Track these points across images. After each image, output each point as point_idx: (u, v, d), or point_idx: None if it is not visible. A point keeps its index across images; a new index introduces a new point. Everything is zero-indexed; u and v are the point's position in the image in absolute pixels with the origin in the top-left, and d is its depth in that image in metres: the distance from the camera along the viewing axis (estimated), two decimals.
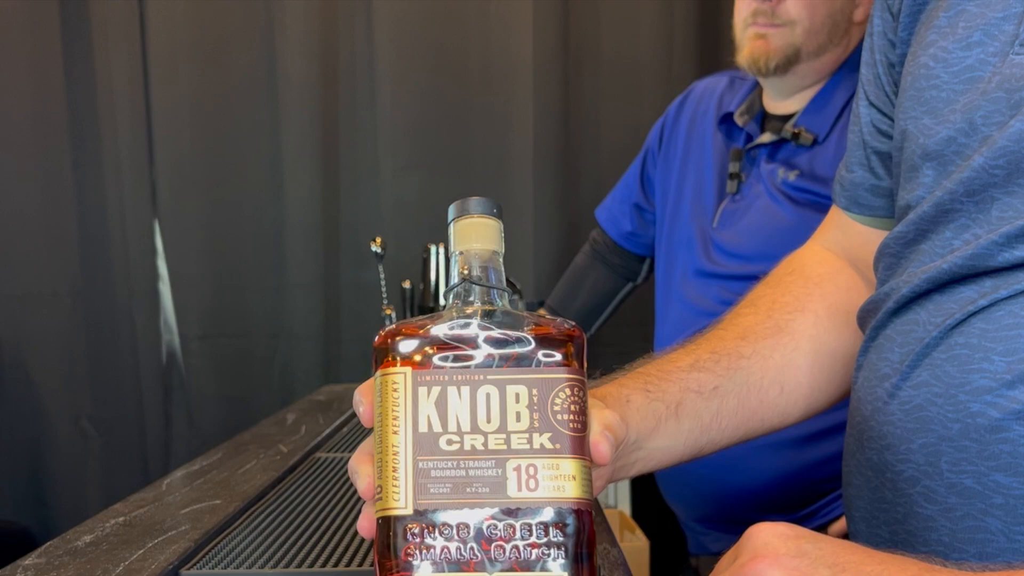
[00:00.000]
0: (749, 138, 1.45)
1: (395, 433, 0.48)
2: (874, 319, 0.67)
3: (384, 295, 1.72)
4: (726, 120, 1.49)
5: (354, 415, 1.51)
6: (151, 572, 0.74)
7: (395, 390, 0.48)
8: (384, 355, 0.49)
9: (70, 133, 2.28)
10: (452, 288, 0.53)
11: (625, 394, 0.64)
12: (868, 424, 0.65)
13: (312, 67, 2.23)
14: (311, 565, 0.77)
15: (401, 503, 0.47)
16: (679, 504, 1.48)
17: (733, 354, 0.72)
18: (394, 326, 0.50)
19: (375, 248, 1.69)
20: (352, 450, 1.22)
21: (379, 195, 2.24)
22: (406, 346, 0.49)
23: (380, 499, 0.48)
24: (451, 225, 0.54)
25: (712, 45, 2.17)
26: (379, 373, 0.50)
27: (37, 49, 2.26)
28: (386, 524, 0.47)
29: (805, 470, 1.30)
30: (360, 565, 0.77)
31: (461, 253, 0.53)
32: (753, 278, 1.34)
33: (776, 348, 0.74)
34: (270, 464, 1.12)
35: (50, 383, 2.31)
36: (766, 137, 1.41)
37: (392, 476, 0.47)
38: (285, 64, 2.23)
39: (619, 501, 2.01)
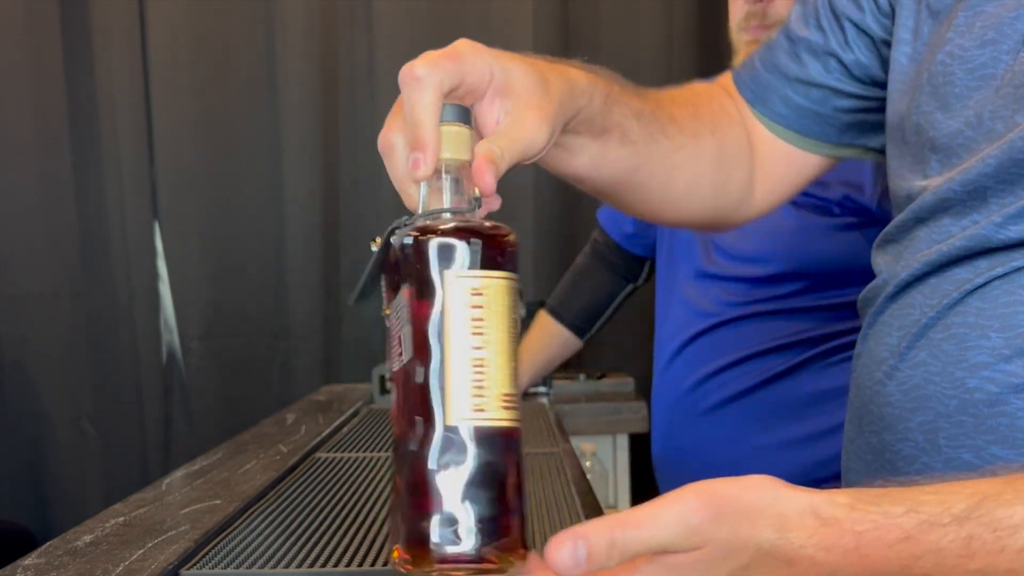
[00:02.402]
0: None
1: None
2: (872, 307, 0.68)
3: (384, 295, 1.72)
4: None
5: (354, 415, 1.51)
6: (151, 572, 0.73)
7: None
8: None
9: (70, 133, 2.28)
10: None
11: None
12: (867, 408, 0.66)
13: (312, 67, 2.23)
14: (311, 565, 0.77)
15: None
16: None
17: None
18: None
19: (375, 248, 1.69)
20: (352, 450, 1.22)
21: (379, 195, 2.23)
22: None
23: None
24: None
25: (712, 45, 2.17)
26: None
27: (37, 49, 2.26)
28: None
29: (806, 471, 1.30)
30: (360, 565, 0.77)
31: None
32: (753, 280, 1.35)
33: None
34: (270, 464, 1.12)
35: (50, 383, 2.31)
36: None
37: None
38: (285, 64, 2.23)
39: (619, 501, 2.01)
